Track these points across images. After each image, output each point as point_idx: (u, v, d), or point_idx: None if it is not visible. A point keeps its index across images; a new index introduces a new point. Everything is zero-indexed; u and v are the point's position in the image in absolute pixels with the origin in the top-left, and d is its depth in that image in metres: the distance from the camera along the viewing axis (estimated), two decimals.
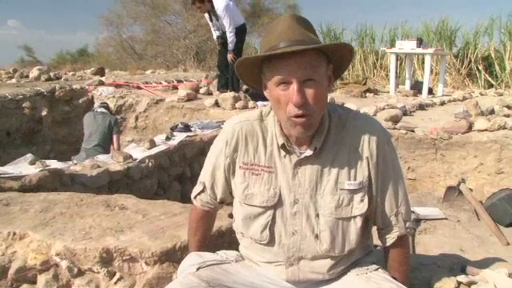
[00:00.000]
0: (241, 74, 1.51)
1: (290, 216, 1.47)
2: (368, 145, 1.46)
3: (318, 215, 1.46)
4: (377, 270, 1.51)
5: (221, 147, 1.57)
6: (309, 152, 1.45)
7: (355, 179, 1.46)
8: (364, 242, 1.58)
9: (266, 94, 1.45)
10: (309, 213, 1.46)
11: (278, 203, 1.48)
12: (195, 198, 1.71)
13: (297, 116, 1.34)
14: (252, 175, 1.51)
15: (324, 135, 1.45)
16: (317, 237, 1.47)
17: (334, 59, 1.42)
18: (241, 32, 7.26)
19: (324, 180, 1.46)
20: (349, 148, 1.46)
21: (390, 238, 1.53)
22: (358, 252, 1.55)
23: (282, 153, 1.48)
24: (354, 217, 1.47)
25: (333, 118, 1.49)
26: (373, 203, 1.50)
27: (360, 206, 1.46)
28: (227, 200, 1.67)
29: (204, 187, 1.67)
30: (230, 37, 7.06)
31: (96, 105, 6.06)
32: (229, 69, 7.37)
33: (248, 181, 1.52)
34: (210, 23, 7.55)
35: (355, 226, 1.48)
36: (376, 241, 1.66)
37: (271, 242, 1.50)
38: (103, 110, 5.61)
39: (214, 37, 7.64)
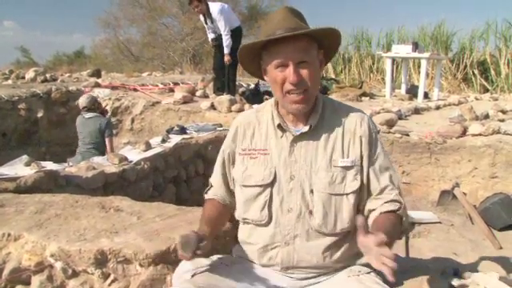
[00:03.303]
0: (242, 62, 1.66)
1: (286, 193, 1.55)
2: (361, 126, 1.58)
3: (312, 191, 1.54)
4: (369, 273, 1.52)
5: (224, 144, 1.75)
6: (305, 128, 1.56)
7: (348, 157, 1.55)
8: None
9: (265, 78, 1.61)
10: (304, 189, 1.54)
11: (274, 181, 1.57)
12: (206, 192, 1.84)
13: (293, 92, 1.50)
14: (250, 159, 1.64)
15: (319, 114, 1.59)
16: (311, 213, 1.53)
17: (324, 45, 1.58)
18: (237, 35, 7.27)
19: (319, 157, 1.55)
20: (343, 128, 1.59)
21: (388, 202, 1.53)
22: (352, 243, 1.50)
23: (279, 133, 1.61)
24: (347, 194, 1.54)
25: (326, 103, 1.65)
26: (366, 180, 1.56)
27: (353, 184, 1.54)
28: (227, 199, 1.77)
29: (211, 185, 1.82)
30: (226, 40, 7.07)
31: (82, 109, 5.48)
32: (225, 72, 7.39)
33: (246, 164, 1.64)
34: (205, 26, 7.57)
35: (348, 203, 1.54)
36: None
37: (269, 221, 1.57)
38: (91, 114, 5.34)
39: (210, 39, 7.66)
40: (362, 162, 1.56)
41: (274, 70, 1.51)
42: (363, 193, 1.57)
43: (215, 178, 1.79)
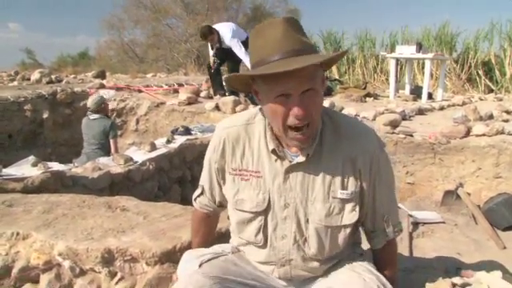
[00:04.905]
0: (230, 85, 1.58)
1: (280, 220, 1.47)
2: (363, 155, 1.44)
3: (307, 220, 1.46)
4: (363, 261, 1.54)
5: (210, 154, 1.59)
6: (301, 158, 1.42)
7: (347, 189, 1.44)
8: (353, 240, 1.61)
9: (256, 99, 1.42)
10: (299, 217, 1.46)
11: (268, 208, 1.47)
12: (195, 200, 1.74)
13: (297, 126, 1.32)
14: (241, 181, 1.51)
15: (316, 142, 1.42)
16: (305, 240, 1.48)
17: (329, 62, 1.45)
18: (244, 45, 7.34)
19: (316, 187, 1.44)
20: (343, 157, 1.44)
21: (380, 243, 1.57)
22: (347, 250, 1.58)
23: (273, 157, 1.45)
24: (344, 226, 1.47)
25: (326, 124, 1.46)
26: (364, 209, 1.51)
27: (350, 215, 1.46)
28: (226, 204, 1.67)
29: (203, 190, 1.69)
30: (246, 59, 7.03)
31: (88, 110, 5.58)
32: (219, 72, 7.64)
33: (238, 186, 1.51)
34: (210, 51, 7.69)
35: (344, 234, 1.48)
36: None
37: (265, 244, 1.51)
38: (96, 116, 5.37)
39: (212, 56, 7.72)
40: (361, 190, 1.46)
41: (273, 100, 1.29)
42: (361, 215, 1.52)
43: (208, 184, 1.65)
